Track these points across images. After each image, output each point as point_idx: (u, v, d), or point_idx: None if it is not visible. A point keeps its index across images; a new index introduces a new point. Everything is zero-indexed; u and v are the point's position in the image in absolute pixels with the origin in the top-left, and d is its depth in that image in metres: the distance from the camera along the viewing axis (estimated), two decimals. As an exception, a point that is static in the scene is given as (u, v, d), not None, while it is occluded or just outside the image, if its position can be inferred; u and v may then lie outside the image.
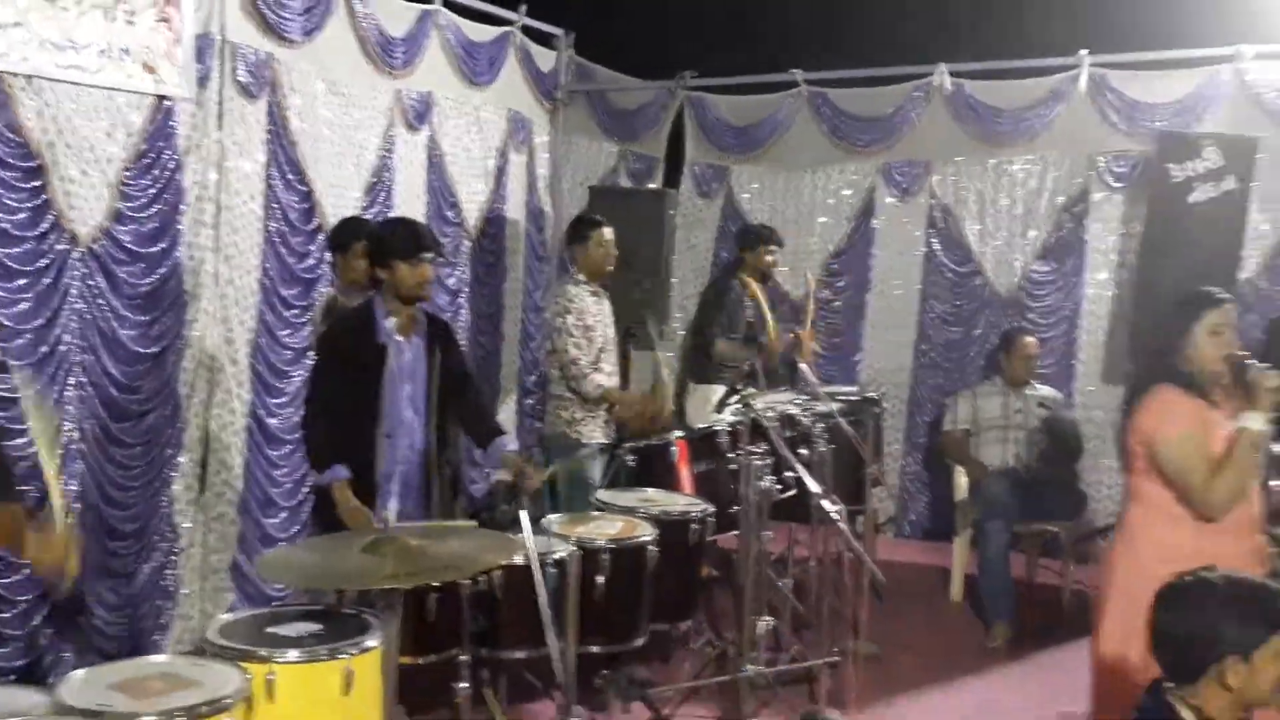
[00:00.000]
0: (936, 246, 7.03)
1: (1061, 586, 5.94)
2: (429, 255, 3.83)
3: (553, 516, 3.99)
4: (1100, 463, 6.62)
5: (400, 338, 3.85)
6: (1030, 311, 6.76)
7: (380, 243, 3.88)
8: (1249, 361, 3.10)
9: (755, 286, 6.16)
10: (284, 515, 5.20)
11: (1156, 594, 2.37)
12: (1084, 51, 6.45)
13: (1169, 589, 2.35)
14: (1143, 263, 6.05)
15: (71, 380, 4.18)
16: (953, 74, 6.79)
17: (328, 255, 5.02)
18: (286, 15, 5.02)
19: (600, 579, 3.67)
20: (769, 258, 6.21)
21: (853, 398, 5.81)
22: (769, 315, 6.15)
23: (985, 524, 5.54)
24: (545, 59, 7.09)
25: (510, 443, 4.00)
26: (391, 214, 5.70)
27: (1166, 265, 5.84)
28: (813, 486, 4.28)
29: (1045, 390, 6.06)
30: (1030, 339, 6.02)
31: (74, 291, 4.17)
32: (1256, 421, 3.04)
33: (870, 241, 7.23)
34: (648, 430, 4.97)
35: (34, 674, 4.05)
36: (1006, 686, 4.88)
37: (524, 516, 3.06)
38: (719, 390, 5.62)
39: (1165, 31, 6.41)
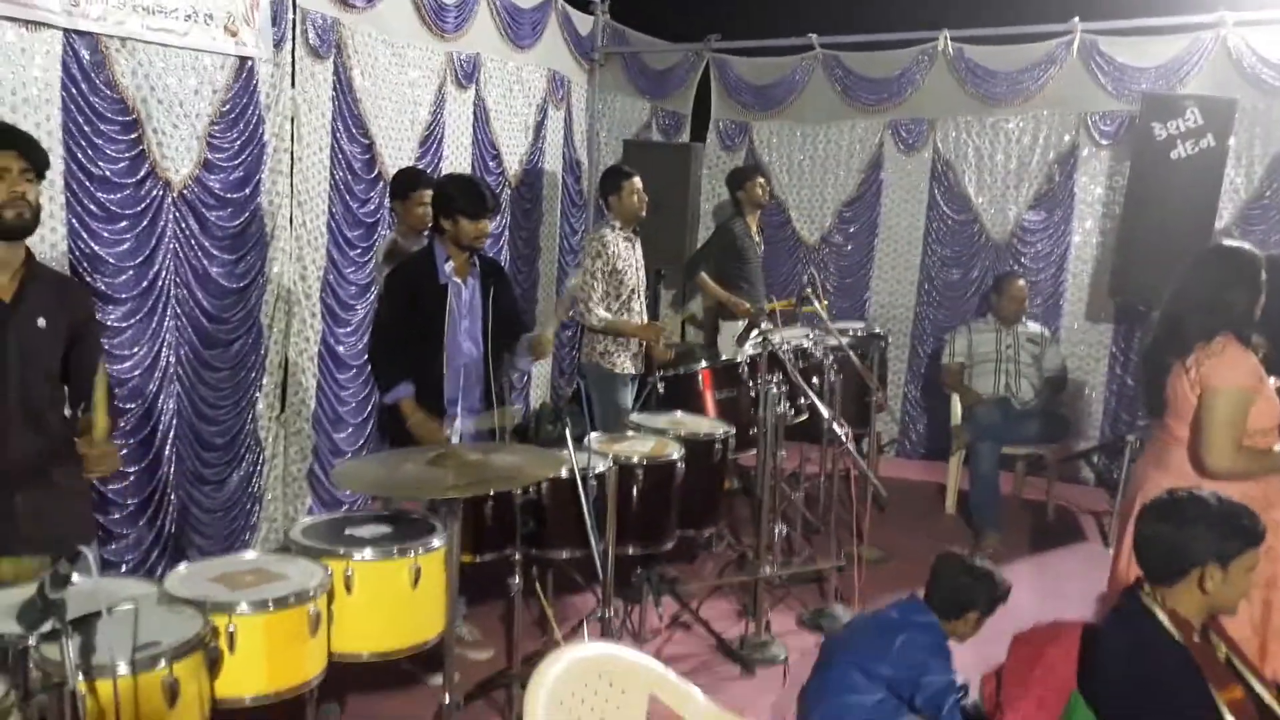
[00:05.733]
0: (938, 197, 6.95)
1: (1046, 501, 5.97)
2: (490, 215, 3.83)
3: (593, 435, 4.02)
4: (1082, 392, 6.61)
5: (458, 279, 3.86)
6: (1022, 256, 6.70)
7: (448, 199, 3.82)
8: None
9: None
10: (350, 430, 5.27)
11: (1148, 505, 2.36)
12: (1076, 19, 6.28)
13: (1164, 501, 2.35)
14: (1126, 214, 5.95)
15: (169, 312, 4.21)
16: (954, 39, 6.65)
17: (388, 202, 5.02)
18: (352, -18, 4.97)
19: (635, 490, 3.71)
20: (759, 191, 6.17)
21: (860, 333, 5.79)
22: None
23: (978, 445, 5.54)
24: (584, 23, 6.99)
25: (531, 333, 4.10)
26: (442, 164, 5.68)
27: (1148, 216, 5.75)
28: (823, 411, 4.30)
29: (1034, 327, 6.02)
30: (1020, 282, 5.96)
31: (169, 233, 4.18)
32: None
33: (879, 192, 7.16)
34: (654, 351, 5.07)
35: (140, 568, 4.15)
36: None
37: (568, 435, 3.08)
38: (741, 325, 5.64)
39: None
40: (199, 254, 4.32)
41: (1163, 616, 2.25)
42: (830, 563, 4.63)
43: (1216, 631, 2.34)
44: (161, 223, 4.13)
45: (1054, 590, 4.30)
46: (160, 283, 4.15)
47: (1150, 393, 3.20)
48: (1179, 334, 3.05)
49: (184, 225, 4.24)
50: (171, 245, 4.20)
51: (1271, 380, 3.40)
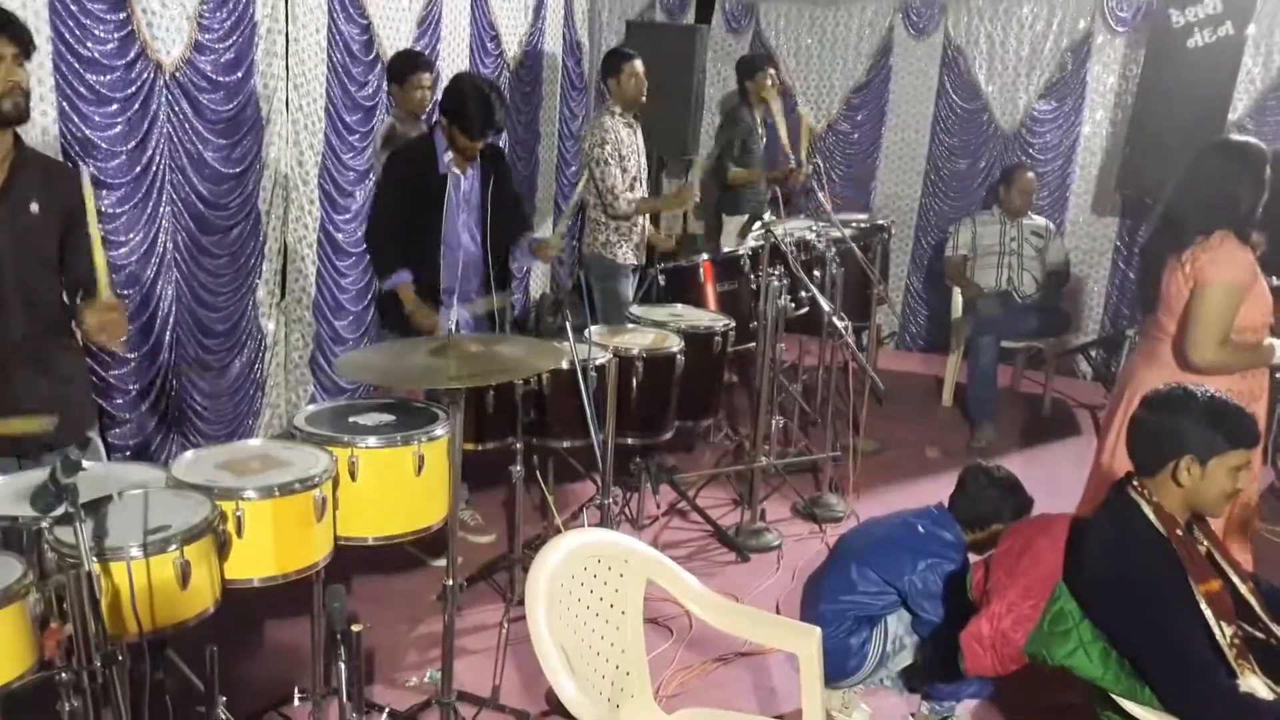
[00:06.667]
0: (948, 84, 6.82)
1: (1043, 395, 6.05)
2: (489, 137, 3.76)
3: (593, 328, 4.05)
4: (1085, 286, 6.62)
5: (457, 170, 3.82)
6: (1030, 147, 6.61)
7: (459, 105, 3.68)
8: None
9: (775, 106, 6.04)
10: (351, 318, 5.31)
11: (1145, 396, 2.40)
12: (1098, -105, 6.09)
13: (1157, 392, 2.38)
14: (1138, 104, 5.86)
15: (164, 197, 4.19)
16: (972, -83, 6.44)
17: (385, 85, 4.94)
18: None
19: (634, 382, 3.76)
20: (768, 82, 6.05)
21: (863, 224, 5.76)
22: (782, 133, 6.06)
23: (977, 339, 5.58)
24: (585, -104, 6.76)
25: (537, 235, 4.03)
26: (439, 46, 5.56)
27: (1160, 107, 5.67)
28: (824, 304, 4.32)
29: (1039, 220, 5.99)
30: (1029, 174, 5.90)
31: (162, 117, 4.12)
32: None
33: (887, 78, 7.02)
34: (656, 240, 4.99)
35: (144, 453, 4.23)
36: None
37: (568, 327, 3.11)
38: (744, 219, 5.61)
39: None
40: (193, 138, 4.27)
41: (1148, 509, 2.30)
42: (826, 453, 4.72)
43: (1200, 527, 2.40)
44: (154, 106, 4.07)
45: (1048, 482, 4.35)
46: (154, 167, 4.12)
47: (1145, 287, 3.21)
48: (1179, 228, 3.04)
49: (177, 109, 4.19)
50: (165, 129, 4.15)
51: (1275, 280, 3.43)
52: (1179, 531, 2.30)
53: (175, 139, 4.20)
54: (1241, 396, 2.96)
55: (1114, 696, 2.24)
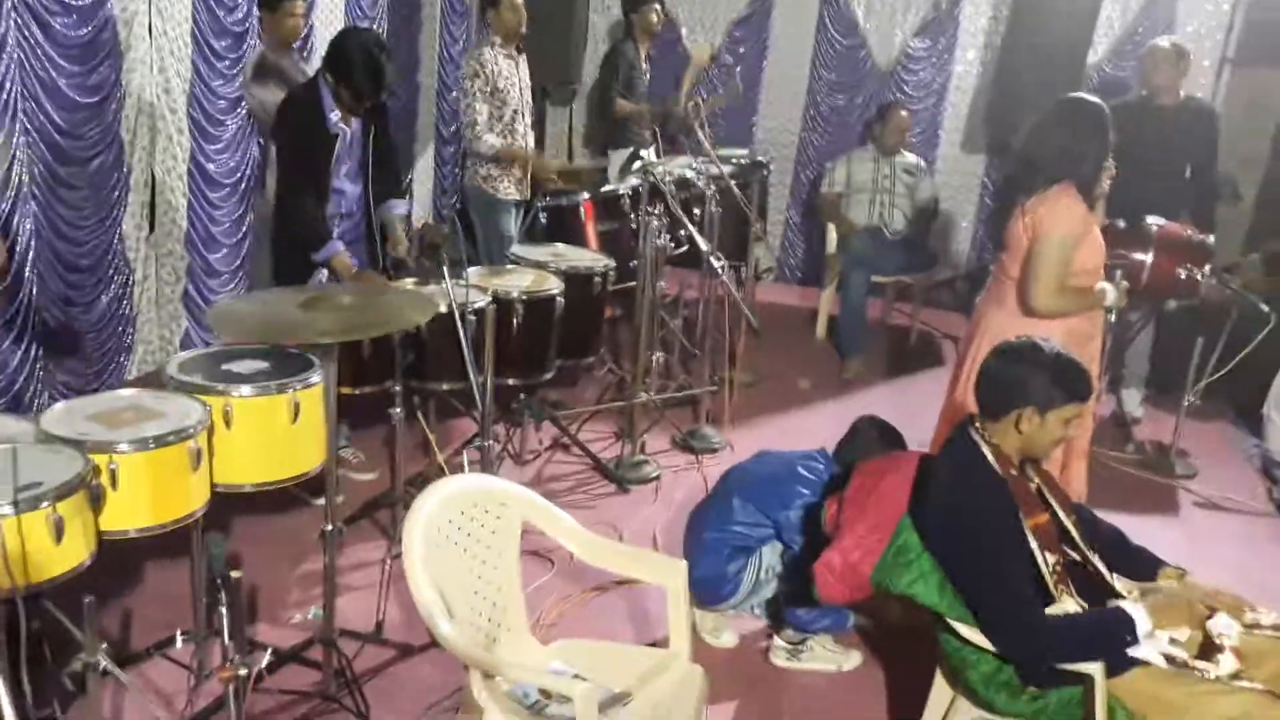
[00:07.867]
0: (828, 19, 6.93)
1: (910, 327, 6.34)
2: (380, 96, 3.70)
3: (472, 269, 4.07)
4: (954, 221, 6.90)
5: (344, 126, 3.76)
6: (905, 84, 6.80)
7: (346, 71, 3.60)
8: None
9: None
10: (225, 251, 5.21)
11: (997, 345, 2.60)
12: None
13: (1010, 343, 2.57)
14: (1006, 45, 6.08)
15: (17, 127, 4.01)
16: None
17: (256, 12, 4.78)
18: None
19: (514, 325, 3.82)
20: (653, 17, 6.05)
21: (743, 161, 5.87)
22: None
23: (849, 274, 5.79)
24: None
25: (399, 207, 4.01)
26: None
27: (1026, 49, 5.90)
28: (702, 244, 4.43)
29: (911, 158, 6.18)
30: (903, 112, 6.07)
31: (11, 41, 3.93)
32: (1110, 297, 3.30)
33: (769, 10, 7.09)
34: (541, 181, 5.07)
35: (8, 393, 4.12)
36: (857, 407, 5.22)
37: (445, 272, 3.14)
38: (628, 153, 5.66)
39: None
40: (45, 64, 4.09)
41: (986, 450, 2.51)
42: (704, 387, 4.89)
43: (1032, 465, 2.63)
44: (0, 30, 3.88)
45: (916, 409, 4.60)
46: (5, 95, 3.94)
47: (1000, 229, 3.46)
48: (1028, 176, 3.31)
49: (27, 33, 3.99)
50: (15, 54, 3.96)
51: (1120, 223, 3.69)
52: (1014, 471, 2.52)
53: (26, 65, 4.01)
54: (1080, 335, 3.25)
55: (949, 621, 2.47)
